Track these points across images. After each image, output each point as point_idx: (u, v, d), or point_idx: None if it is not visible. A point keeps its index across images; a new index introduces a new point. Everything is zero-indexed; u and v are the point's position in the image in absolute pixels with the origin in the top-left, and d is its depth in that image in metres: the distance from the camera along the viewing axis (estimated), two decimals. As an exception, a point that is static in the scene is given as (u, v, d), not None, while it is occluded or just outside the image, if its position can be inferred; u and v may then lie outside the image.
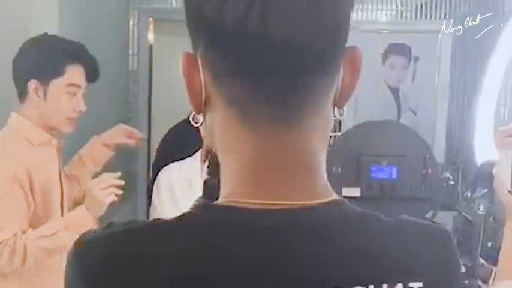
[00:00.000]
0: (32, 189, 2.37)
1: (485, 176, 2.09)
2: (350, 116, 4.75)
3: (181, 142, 3.22)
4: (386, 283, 0.83)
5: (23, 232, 2.32)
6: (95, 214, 2.43)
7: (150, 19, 5.43)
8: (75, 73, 2.49)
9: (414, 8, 5.23)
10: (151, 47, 5.49)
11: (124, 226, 0.85)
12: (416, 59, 4.95)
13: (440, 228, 0.96)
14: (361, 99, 4.74)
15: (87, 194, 2.45)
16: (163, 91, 5.54)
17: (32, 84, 2.43)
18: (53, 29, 3.11)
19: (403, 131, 2.70)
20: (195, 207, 0.87)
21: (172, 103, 5.17)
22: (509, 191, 1.80)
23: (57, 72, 2.45)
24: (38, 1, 3.13)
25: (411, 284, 0.85)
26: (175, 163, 2.98)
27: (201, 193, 2.82)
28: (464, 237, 3.59)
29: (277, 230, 0.82)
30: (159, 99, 5.55)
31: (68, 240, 2.30)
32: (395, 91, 4.91)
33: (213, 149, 0.93)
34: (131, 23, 5.37)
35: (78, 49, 2.54)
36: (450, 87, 5.07)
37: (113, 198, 2.43)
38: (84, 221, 2.40)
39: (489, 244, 2.92)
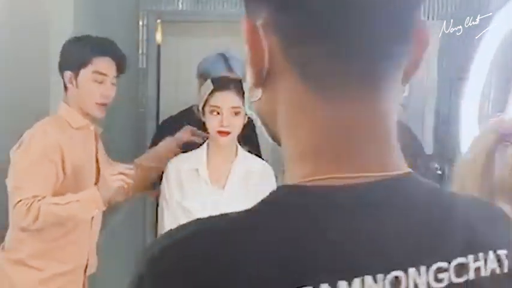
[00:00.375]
0: (63, 163, 2.54)
1: None
2: None
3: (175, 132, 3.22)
4: (474, 253, 0.77)
5: (44, 197, 2.44)
6: (104, 195, 2.51)
7: (158, 21, 5.42)
8: (101, 63, 2.66)
9: None
10: (159, 46, 5.47)
11: (200, 226, 0.78)
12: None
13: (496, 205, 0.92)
14: None
15: (100, 177, 2.58)
16: (170, 87, 5.52)
17: (67, 74, 2.64)
18: (68, 29, 3.11)
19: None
20: (279, 192, 0.77)
21: (179, 98, 5.12)
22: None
23: (85, 62, 2.62)
24: (55, 5, 3.10)
25: (499, 252, 0.78)
26: (184, 154, 2.94)
27: (206, 182, 2.80)
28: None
29: (378, 204, 0.74)
30: (167, 95, 5.53)
31: (76, 212, 2.52)
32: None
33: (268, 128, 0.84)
34: (140, 24, 5.36)
35: (105, 43, 2.73)
36: (437, 84, 5.05)
37: (120, 184, 2.51)
38: (93, 199, 2.51)
39: None
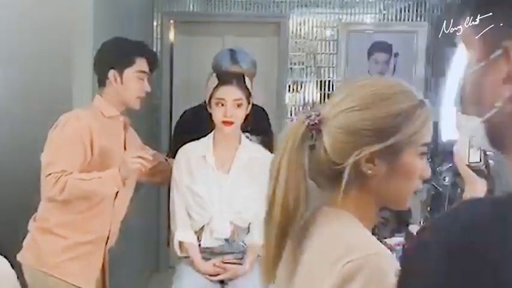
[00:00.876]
0: (91, 145, 2.59)
1: (450, 153, 2.05)
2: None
3: (196, 123, 3.21)
4: None
5: (71, 173, 2.51)
6: (122, 174, 2.55)
7: (171, 21, 5.39)
8: (141, 63, 2.75)
9: (394, 11, 5.19)
10: (172, 44, 5.45)
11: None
12: (396, 55, 4.91)
13: None
14: None
15: (121, 159, 2.61)
16: (182, 81, 5.49)
17: (112, 72, 2.68)
18: (89, 29, 3.08)
19: None
20: None
21: (190, 92, 5.15)
22: (467, 165, 1.80)
23: (129, 62, 2.71)
24: (77, 7, 3.06)
25: None
26: (192, 142, 2.92)
27: (212, 168, 2.78)
28: (434, 205, 3.56)
29: None
30: (179, 89, 5.51)
31: (97, 187, 2.58)
32: (379, 82, 4.83)
33: None
34: (155, 24, 5.34)
35: (142, 45, 2.85)
36: (424, 79, 5.03)
37: (138, 166, 2.55)
38: (113, 177, 2.55)
39: None
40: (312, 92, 5.26)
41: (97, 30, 3.18)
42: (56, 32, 2.97)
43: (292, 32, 5.25)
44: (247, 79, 2.85)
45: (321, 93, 5.23)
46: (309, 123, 1.23)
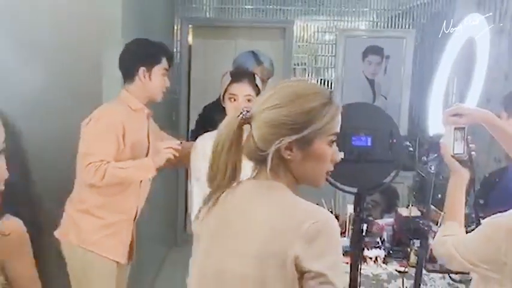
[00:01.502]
0: (123, 136, 2.56)
1: (436, 144, 2.03)
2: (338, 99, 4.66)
3: (213, 116, 3.14)
4: None
5: (108, 162, 2.50)
6: (156, 163, 2.57)
7: (190, 26, 5.36)
8: (164, 61, 2.72)
9: (386, 20, 5.17)
10: (190, 46, 5.42)
11: None
12: (387, 57, 4.87)
13: None
14: (346, 87, 4.72)
15: (154, 149, 2.63)
16: (198, 79, 5.46)
17: (141, 70, 2.64)
18: (118, 31, 3.05)
19: (376, 110, 2.60)
20: None
21: (206, 87, 5.10)
22: (452, 156, 1.83)
23: (158, 61, 2.69)
24: (108, 13, 3.02)
25: None
26: (209, 132, 2.86)
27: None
28: (420, 190, 3.52)
29: None
30: (196, 84, 5.48)
31: (133, 175, 2.61)
32: (371, 81, 4.83)
33: None
34: (175, 28, 5.30)
35: (164, 46, 2.81)
36: (412, 79, 4.97)
37: (170, 156, 2.57)
38: (148, 165, 2.58)
39: (438, 196, 2.83)
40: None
41: (125, 33, 3.15)
42: (90, 35, 2.93)
43: (296, 37, 5.23)
44: (257, 77, 2.81)
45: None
46: (241, 118, 1.33)
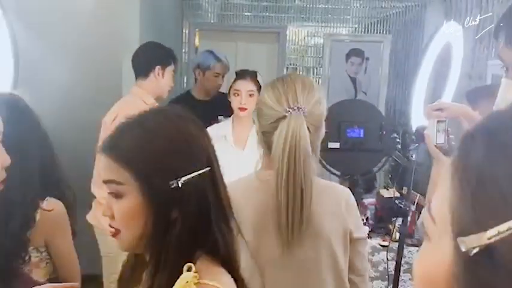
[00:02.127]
0: None
1: (420, 135, 2.02)
2: (324, 96, 4.63)
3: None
4: None
5: None
6: None
7: (197, 30, 5.31)
8: (173, 64, 2.71)
9: (365, 26, 5.16)
10: (196, 48, 5.35)
11: None
12: (367, 59, 4.83)
13: None
14: (332, 83, 4.71)
15: None
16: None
17: (157, 68, 2.59)
18: (136, 36, 2.99)
19: (368, 106, 2.62)
20: None
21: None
22: (435, 146, 1.79)
23: (170, 62, 2.66)
24: (128, 18, 2.96)
25: None
26: (216, 124, 2.84)
27: (231, 145, 2.71)
28: (395, 174, 3.54)
29: None
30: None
31: None
32: (353, 79, 4.80)
33: None
34: (184, 32, 5.25)
35: (173, 52, 2.77)
36: (388, 77, 4.95)
37: None
38: None
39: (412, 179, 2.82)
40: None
41: (143, 36, 3.11)
42: (112, 40, 2.89)
43: (289, 40, 5.22)
44: (259, 75, 2.78)
45: (308, 87, 5.19)
46: None
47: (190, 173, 0.83)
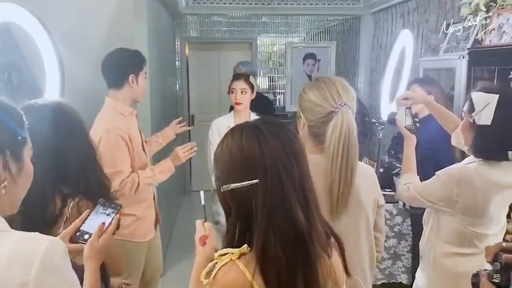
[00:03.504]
0: (130, 142, 1.92)
1: (392, 120, 1.97)
2: (287, 92, 4.67)
3: None
4: None
5: (132, 171, 1.93)
6: (175, 164, 2.08)
7: (186, 42, 5.07)
8: (144, 66, 2.03)
9: (316, 35, 5.12)
10: (187, 57, 5.14)
11: None
12: (319, 60, 4.74)
13: None
14: (293, 81, 4.64)
15: (174, 153, 2.09)
16: (195, 82, 5.17)
17: (131, 76, 1.95)
18: (146, 50, 2.74)
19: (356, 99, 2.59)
20: None
21: (201, 89, 5.04)
22: (404, 127, 1.75)
23: (142, 67, 2.00)
24: (139, 40, 2.70)
25: None
26: (222, 116, 2.72)
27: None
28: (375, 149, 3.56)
29: None
30: (192, 84, 5.19)
31: (159, 178, 2.03)
32: (309, 76, 4.71)
33: None
34: (176, 44, 5.01)
35: (141, 53, 2.04)
36: (335, 74, 4.84)
37: (188, 157, 2.11)
38: (169, 167, 2.05)
39: (392, 151, 2.77)
40: (267, 82, 5.27)
41: (151, 48, 2.90)
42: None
43: (259, 48, 5.12)
44: (251, 77, 2.66)
45: (272, 84, 5.25)
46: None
47: (237, 183, 0.84)
